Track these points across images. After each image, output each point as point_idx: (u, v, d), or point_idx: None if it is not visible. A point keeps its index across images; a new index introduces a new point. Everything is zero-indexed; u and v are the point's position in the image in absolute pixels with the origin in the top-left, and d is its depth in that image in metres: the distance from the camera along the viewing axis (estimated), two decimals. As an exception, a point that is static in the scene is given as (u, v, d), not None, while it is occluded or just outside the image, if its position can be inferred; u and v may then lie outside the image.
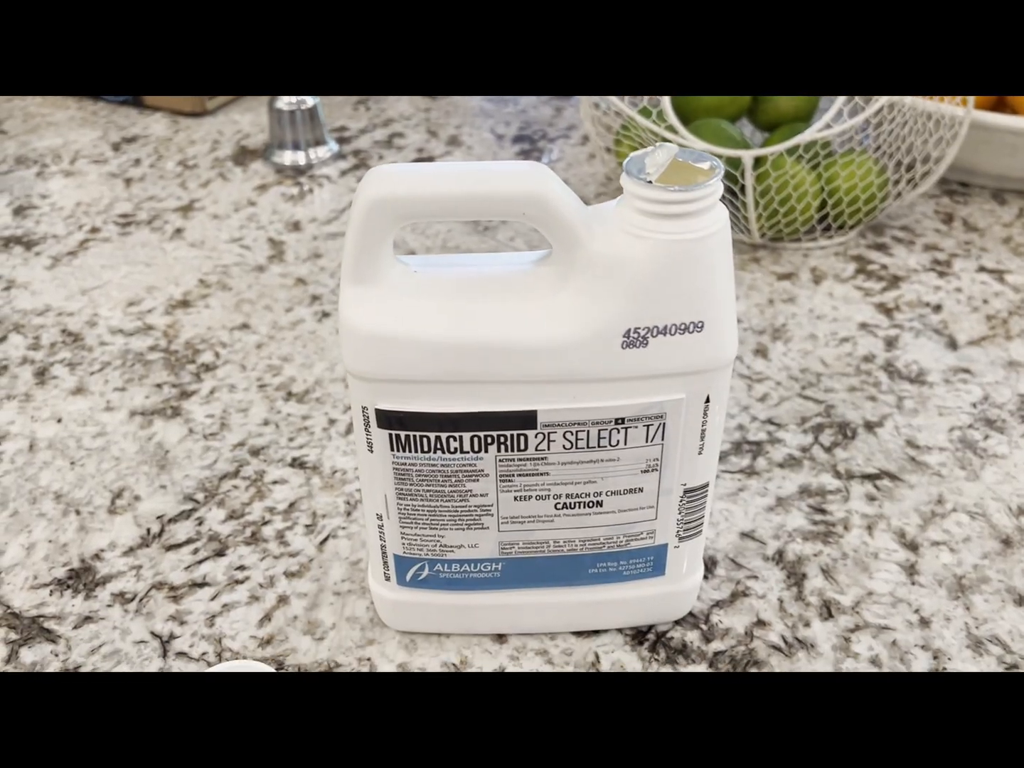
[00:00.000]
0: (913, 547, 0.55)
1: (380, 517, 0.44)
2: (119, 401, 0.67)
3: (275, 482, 0.60)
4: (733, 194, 0.79)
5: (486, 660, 0.49)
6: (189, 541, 0.56)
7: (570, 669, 0.48)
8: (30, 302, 0.78)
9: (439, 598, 0.47)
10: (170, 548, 0.55)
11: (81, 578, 0.53)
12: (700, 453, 0.43)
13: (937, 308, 0.76)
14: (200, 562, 0.54)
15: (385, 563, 0.46)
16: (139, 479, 0.60)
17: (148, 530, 0.57)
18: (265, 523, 0.57)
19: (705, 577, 0.53)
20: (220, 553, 0.55)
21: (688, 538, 0.46)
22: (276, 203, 0.92)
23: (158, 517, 0.57)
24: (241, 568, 0.54)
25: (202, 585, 0.53)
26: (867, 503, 0.58)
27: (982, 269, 0.80)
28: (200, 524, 0.57)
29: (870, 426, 0.64)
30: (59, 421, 0.65)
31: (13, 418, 0.65)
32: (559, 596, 0.47)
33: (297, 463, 0.61)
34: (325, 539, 0.56)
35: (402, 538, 0.45)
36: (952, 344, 0.71)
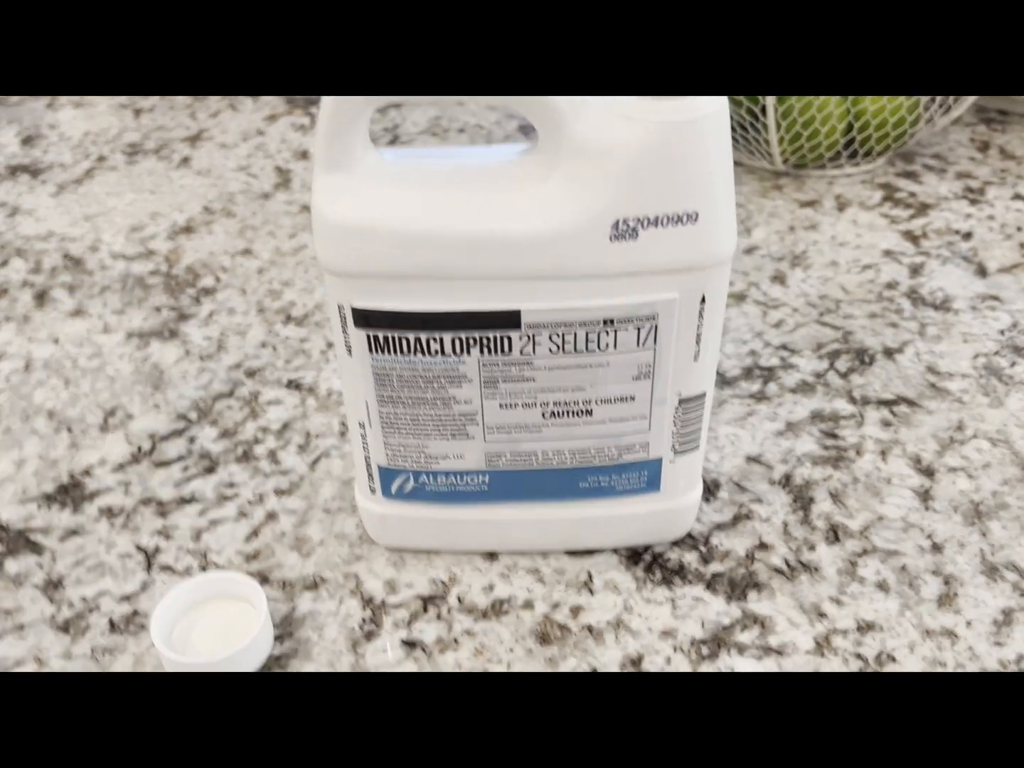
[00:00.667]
0: (929, 473, 0.52)
1: (362, 426, 0.43)
2: (117, 323, 0.66)
3: (269, 403, 0.59)
4: (754, 116, 0.76)
5: (475, 578, 0.48)
6: (180, 458, 0.55)
7: (561, 588, 0.47)
8: (33, 228, 0.77)
9: (426, 512, 0.46)
10: (160, 465, 0.54)
11: (69, 493, 0.53)
12: (696, 360, 0.41)
13: (967, 236, 0.72)
14: (189, 479, 0.53)
15: (370, 475, 0.45)
16: (132, 398, 0.59)
17: (139, 447, 0.56)
18: (257, 442, 0.56)
19: (707, 500, 0.51)
20: (210, 470, 0.54)
21: (684, 453, 0.44)
22: (285, 132, 0.90)
23: (150, 435, 0.57)
24: (231, 485, 0.53)
25: (190, 501, 0.52)
26: (882, 428, 0.55)
27: (1017, 197, 0.76)
28: (192, 442, 0.56)
29: (889, 352, 0.61)
30: (56, 342, 0.64)
31: (10, 339, 0.64)
32: (550, 512, 0.46)
33: (293, 384, 0.60)
34: (318, 458, 0.55)
35: (385, 448, 0.43)
36: (981, 271, 0.68)
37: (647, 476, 0.44)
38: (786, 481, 0.52)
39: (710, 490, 0.52)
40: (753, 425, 0.56)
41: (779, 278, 0.68)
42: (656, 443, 0.43)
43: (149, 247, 0.74)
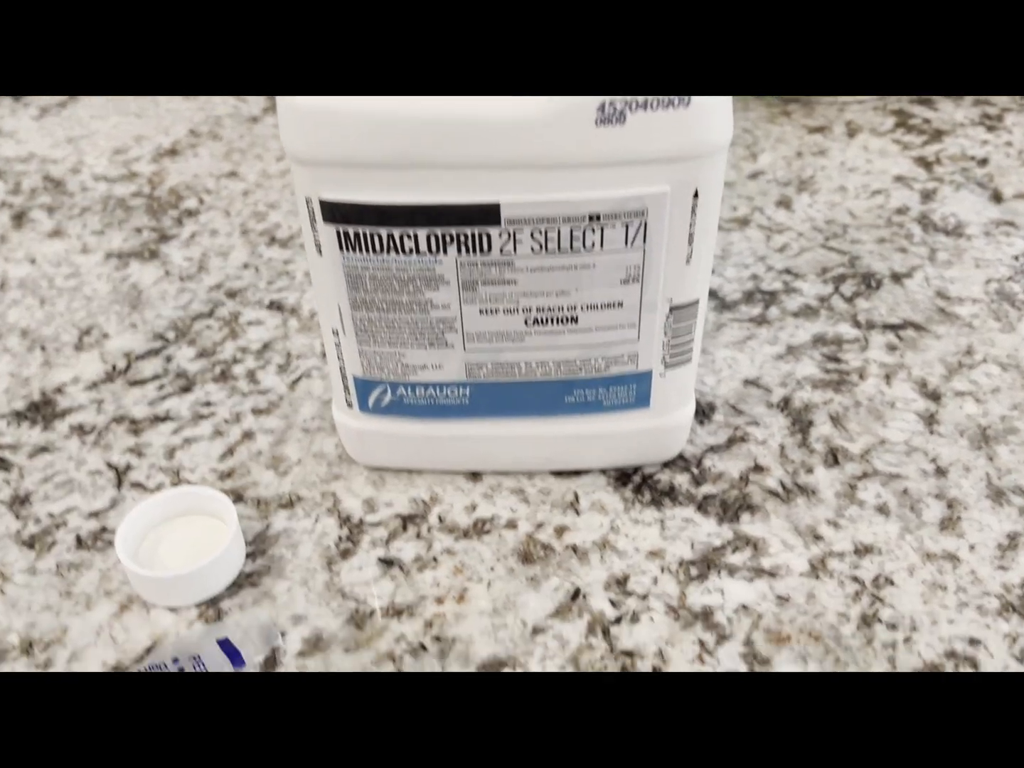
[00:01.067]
0: (935, 397, 0.50)
1: (336, 333, 0.41)
2: (96, 244, 0.64)
3: (250, 323, 0.57)
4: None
5: (458, 497, 0.46)
6: (155, 377, 0.53)
7: (546, 508, 0.45)
8: (14, 150, 0.75)
9: (405, 427, 0.44)
10: (135, 384, 0.53)
11: (40, 411, 0.51)
12: (688, 263, 0.38)
13: (983, 162, 0.69)
14: (164, 398, 0.52)
15: (346, 388, 0.43)
16: (109, 318, 0.57)
17: (114, 366, 0.54)
18: (236, 362, 0.54)
19: (700, 422, 0.49)
20: (186, 389, 0.52)
21: (675, 366, 0.42)
22: (277, 58, 0.87)
23: (125, 354, 0.55)
24: (207, 404, 0.51)
25: (164, 420, 0.50)
26: (887, 353, 0.53)
27: (1037, 123, 0.73)
28: (168, 361, 0.54)
29: (897, 277, 0.58)
30: (32, 262, 0.62)
31: (-14, 258, 0.63)
32: (535, 428, 0.43)
33: (275, 305, 0.58)
34: (298, 379, 0.53)
35: (360, 357, 0.41)
36: (997, 197, 0.65)
37: (636, 391, 0.42)
38: (784, 404, 0.50)
39: (704, 413, 0.49)
40: (752, 349, 0.53)
41: (785, 203, 0.65)
42: (645, 355, 0.41)
43: (132, 169, 0.72)
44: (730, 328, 0.55)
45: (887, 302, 0.56)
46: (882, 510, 0.44)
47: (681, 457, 0.47)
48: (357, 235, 0.37)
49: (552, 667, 0.38)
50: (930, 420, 0.48)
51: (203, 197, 0.68)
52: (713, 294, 0.57)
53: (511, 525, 0.44)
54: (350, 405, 0.43)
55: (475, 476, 0.47)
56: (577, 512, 0.45)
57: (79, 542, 0.44)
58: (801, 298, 0.57)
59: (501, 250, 0.37)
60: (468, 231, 0.36)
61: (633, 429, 0.44)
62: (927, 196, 0.65)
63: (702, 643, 0.39)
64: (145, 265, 0.61)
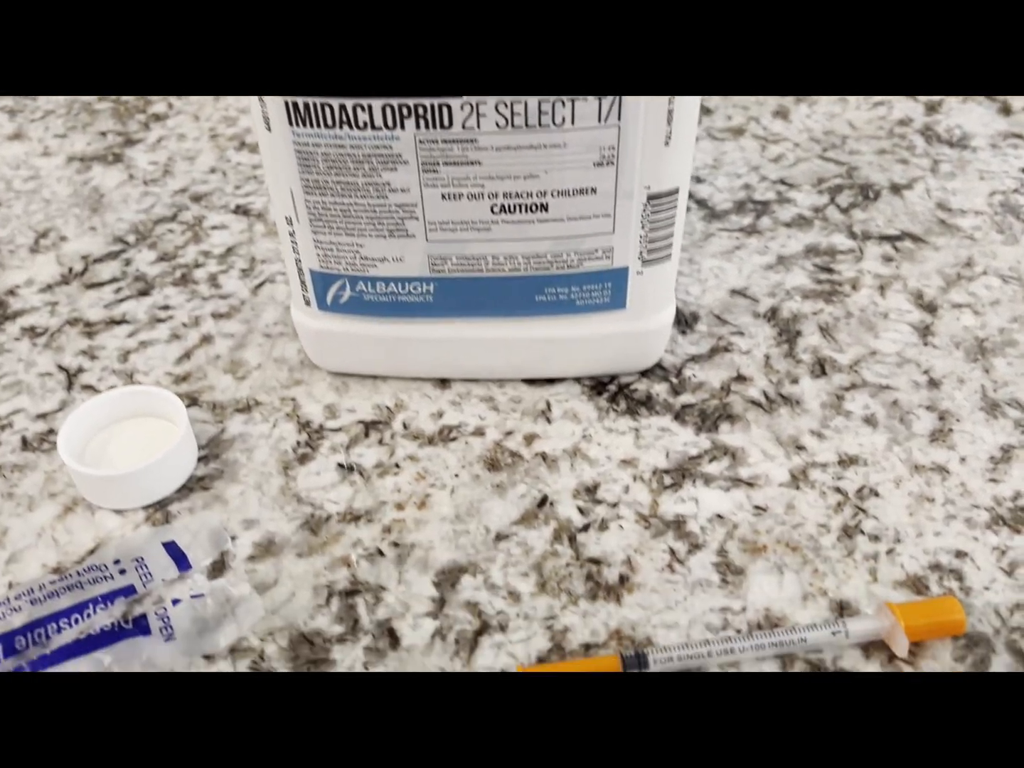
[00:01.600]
0: (931, 308, 0.47)
1: (290, 222, 0.38)
2: (58, 147, 0.61)
3: (214, 227, 0.54)
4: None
5: (424, 404, 0.44)
6: (113, 280, 0.50)
7: (516, 416, 0.43)
8: (-23, 53, 0.72)
9: (367, 327, 0.41)
10: (91, 287, 0.50)
11: (-9, 312, 0.49)
12: (667, 144, 0.35)
13: (993, 75, 0.65)
14: (121, 301, 0.49)
15: (303, 283, 0.40)
16: (68, 221, 0.55)
17: (70, 269, 0.51)
18: (198, 266, 0.51)
19: (683, 332, 0.47)
20: (144, 293, 0.50)
21: (653, 263, 0.39)
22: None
23: (83, 257, 0.52)
24: (165, 308, 0.49)
25: (120, 323, 0.48)
26: (883, 264, 0.50)
27: (1053, 38, 0.69)
28: (127, 265, 0.51)
29: (897, 188, 0.55)
30: (-10, 164, 0.59)
31: (-58, 160, 0.60)
32: (504, 330, 0.41)
33: (241, 210, 0.55)
34: (261, 283, 0.50)
35: (316, 247, 0.38)
36: (1006, 110, 0.62)
37: (611, 289, 0.40)
38: (772, 315, 0.47)
39: (687, 323, 0.47)
40: (741, 259, 0.51)
41: (781, 113, 0.62)
42: (621, 249, 0.38)
43: (100, 74, 0.68)
44: (719, 238, 0.52)
45: (885, 213, 0.53)
46: (869, 421, 0.42)
47: (660, 366, 0.45)
48: (307, 106, 0.34)
49: (514, 574, 0.36)
50: (925, 332, 0.46)
51: (172, 102, 0.65)
52: (702, 203, 0.54)
53: (479, 433, 0.42)
54: (308, 303, 0.41)
55: (443, 384, 0.44)
56: (548, 421, 0.42)
57: (24, 443, 0.42)
58: (795, 208, 0.54)
59: (463, 125, 0.34)
60: (427, 103, 0.34)
61: (608, 333, 0.41)
62: (932, 108, 0.62)
63: (673, 552, 0.37)
64: (108, 169, 0.59)
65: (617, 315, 0.41)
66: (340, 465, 0.41)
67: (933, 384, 0.43)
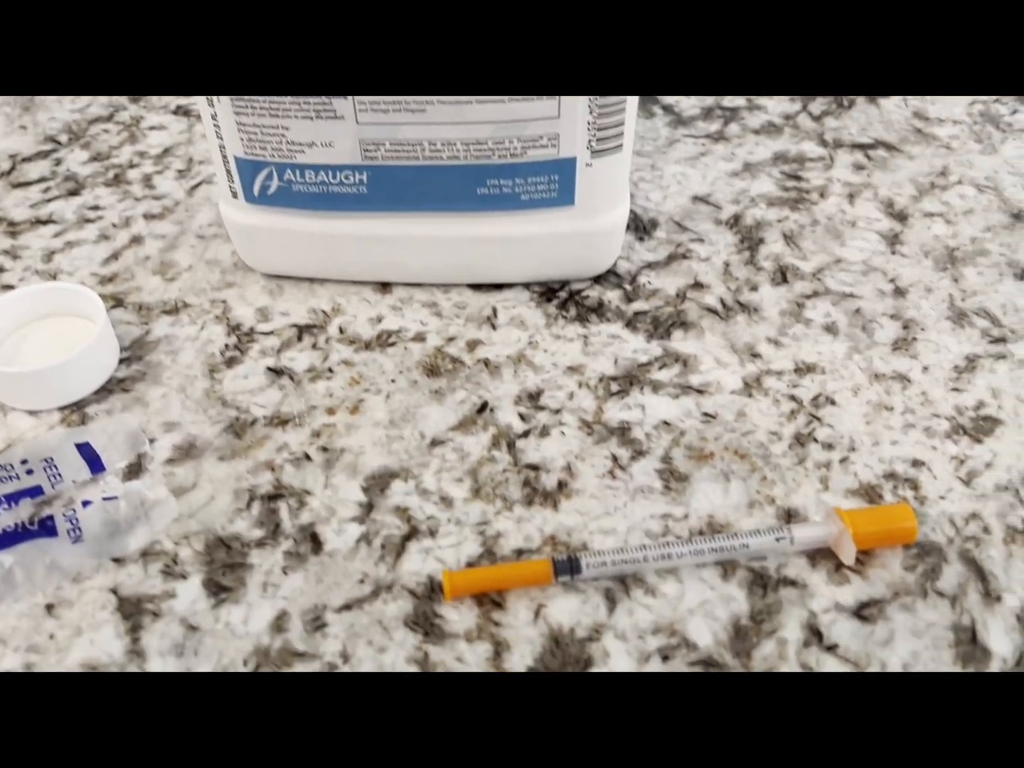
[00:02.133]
0: (901, 217, 0.45)
1: (211, 102, 0.35)
2: (-9, 45, 0.58)
3: (152, 128, 0.51)
4: None
5: (363, 309, 0.41)
6: (41, 180, 0.48)
7: (460, 322, 0.41)
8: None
9: (298, 223, 0.39)
10: (17, 186, 0.47)
11: (-91, 210, 0.46)
12: (614, 18, 0.33)
13: (982, -14, 0.62)
14: (49, 201, 0.46)
15: (228, 172, 0.38)
16: (-3, 119, 0.52)
17: (-4, 168, 0.49)
18: (132, 166, 0.49)
19: (640, 239, 0.44)
20: (74, 193, 0.47)
21: (603, 154, 0.37)
22: None
23: (10, 156, 0.49)
24: (95, 208, 0.46)
25: (46, 223, 0.45)
26: (853, 172, 0.48)
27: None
28: (57, 164, 0.49)
29: (872, 96, 0.53)
30: (-82, 61, 0.56)
31: None
32: (445, 227, 0.39)
33: (181, 111, 0.52)
34: (198, 184, 0.48)
35: (239, 131, 0.36)
36: (992, 20, 0.59)
37: (559, 183, 0.37)
38: (735, 222, 0.45)
39: (645, 229, 0.45)
40: (706, 165, 0.48)
41: (758, 21, 0.59)
42: (568, 136, 0.36)
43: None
44: (684, 144, 0.49)
45: (859, 122, 0.51)
46: (830, 329, 0.40)
47: (614, 273, 0.42)
48: (221, -32, 0.31)
49: (448, 479, 0.34)
50: (893, 240, 0.44)
51: None
52: (668, 109, 0.52)
53: (419, 338, 0.40)
54: (235, 194, 0.38)
55: (384, 288, 0.42)
56: (494, 327, 0.40)
57: (-64, 344, 0.40)
58: (765, 115, 0.51)
59: (392, -8, 0.32)
60: (351, -35, 0.31)
61: (557, 232, 0.39)
62: (916, 18, 0.59)
63: (615, 458, 0.35)
64: (43, 68, 0.55)
65: (565, 212, 0.38)
66: (269, 369, 0.38)
67: (899, 293, 0.41)
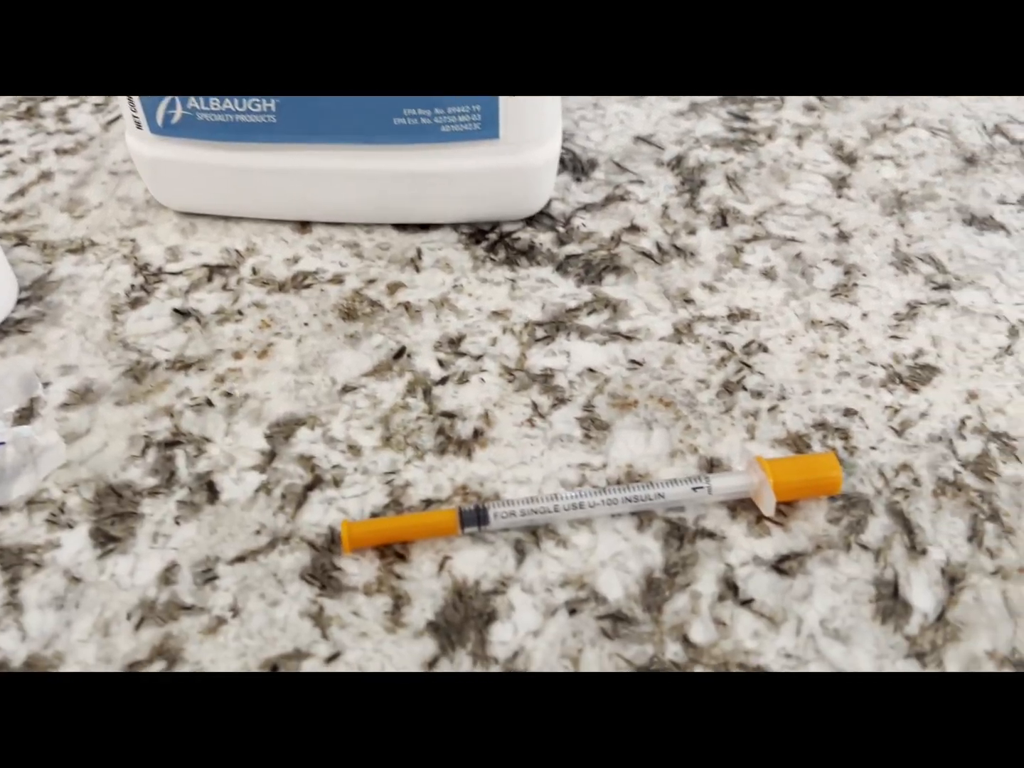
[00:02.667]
0: (850, 160, 0.43)
1: None
2: (-96, -28, 0.55)
3: (70, 60, 0.49)
4: None
5: (279, 249, 0.39)
6: (-53, 112, 0.45)
7: (381, 264, 0.39)
8: None
9: (206, 154, 0.36)
10: (-79, 118, 0.45)
11: None
12: (533, -69, 0.31)
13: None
14: (-46, 134, 0.44)
15: (131, 100, 0.35)
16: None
17: (-100, 99, 0.46)
18: (46, 100, 0.46)
19: (577, 180, 0.42)
20: (-19, 126, 0.45)
21: (528, 83, 0.35)
22: None
23: (-84, 87, 0.47)
24: (4, 142, 0.43)
25: (-51, 157, 0.43)
26: (804, 113, 0.46)
27: None
28: (-35, 97, 0.46)
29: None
30: None
31: None
32: (361, 160, 0.36)
33: (103, 42, 0.50)
34: (115, 119, 0.45)
35: (137, 53, 0.34)
36: (959, -40, 0.57)
37: (481, 113, 0.35)
38: (677, 163, 0.43)
39: (583, 170, 0.43)
40: (650, 103, 0.46)
41: (715, -42, 0.57)
42: (489, 64, 0.34)
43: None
44: (629, 84, 0.47)
45: (814, 62, 0.49)
46: (768, 274, 0.38)
47: (548, 215, 0.40)
48: None
49: (357, 427, 0.33)
50: (840, 184, 0.42)
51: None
52: (616, 49, 0.49)
53: (337, 280, 0.38)
54: (139, 125, 0.36)
55: (304, 227, 0.40)
56: (417, 269, 0.38)
57: None
58: (716, 55, 0.49)
59: None
60: None
61: (482, 168, 0.37)
62: (880, -43, 0.57)
63: (535, 406, 0.33)
64: (-42, -4, 0.52)
65: (490, 146, 0.36)
66: (176, 311, 0.36)
67: (843, 237, 0.39)
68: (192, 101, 0.34)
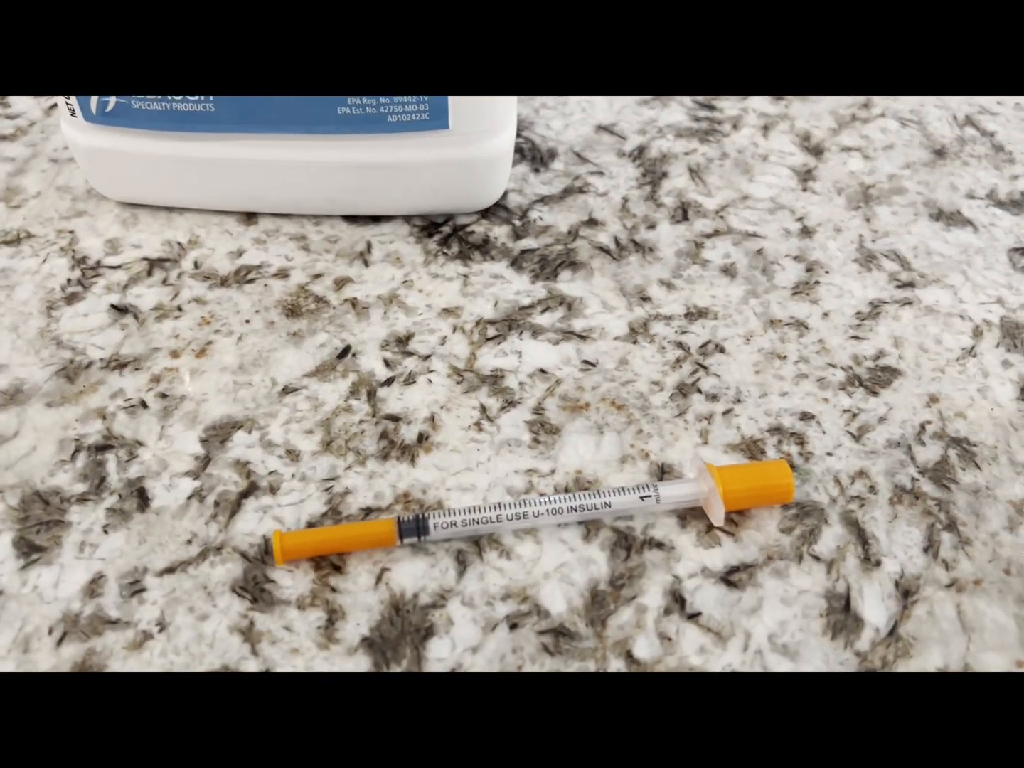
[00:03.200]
0: (817, 152, 0.42)
1: (32, 3, 0.32)
2: None
3: (13, 40, 0.47)
4: None
5: (223, 241, 0.38)
6: None
7: (329, 258, 0.37)
8: None
9: (144, 143, 0.35)
10: None
11: None
12: (478, -87, 0.29)
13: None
14: None
15: (63, 86, 0.34)
16: None
17: None
18: (-14, 83, 0.44)
19: (536, 171, 0.41)
20: (-83, 110, 0.43)
21: (478, 72, 0.33)
22: None
23: None
24: (-61, 128, 0.42)
25: None
26: (771, 102, 0.44)
27: None
28: (-98, 79, 0.44)
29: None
30: None
31: None
32: (306, 151, 0.35)
33: None
34: (56, 104, 0.44)
35: (66, 38, 0.32)
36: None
37: (429, 103, 0.34)
38: (639, 154, 0.42)
39: (543, 160, 0.41)
40: (613, 92, 0.45)
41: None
42: (436, 52, 0.32)
43: None
44: (593, 70, 0.46)
45: (783, 49, 0.47)
46: (728, 271, 0.37)
47: (503, 207, 0.39)
48: None
49: (297, 431, 0.31)
50: (806, 176, 0.41)
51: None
52: (581, 33, 0.48)
53: (282, 274, 0.36)
54: (73, 112, 0.34)
55: (249, 218, 0.38)
56: (366, 264, 0.37)
57: None
58: (683, 41, 0.48)
59: None
60: None
61: (432, 159, 0.35)
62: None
63: (484, 408, 0.32)
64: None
65: (440, 137, 0.35)
66: (113, 306, 0.35)
67: (806, 232, 0.38)
68: (126, 88, 0.33)
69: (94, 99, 0.33)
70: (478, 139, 0.35)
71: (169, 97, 0.33)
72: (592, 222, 0.38)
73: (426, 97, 0.33)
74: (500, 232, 0.38)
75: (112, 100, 0.33)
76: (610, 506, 0.28)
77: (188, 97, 0.33)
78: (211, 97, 0.33)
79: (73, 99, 0.34)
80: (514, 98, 0.36)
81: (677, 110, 0.44)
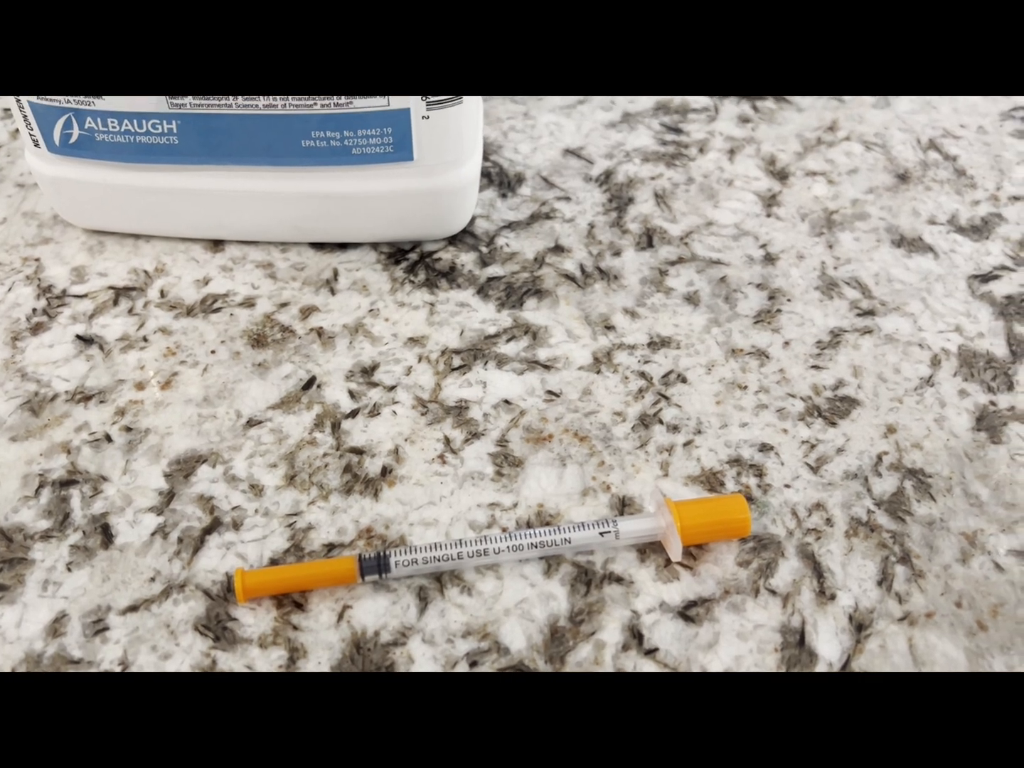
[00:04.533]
0: (782, 176, 0.42)
1: (-8, 38, 0.32)
2: None
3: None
4: None
5: (189, 269, 0.38)
6: None
7: (296, 286, 0.37)
8: None
9: (109, 174, 0.35)
10: None
11: None
12: (437, -48, 0.29)
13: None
14: None
15: (25, 117, 0.34)
16: None
17: None
18: (-49, 104, 0.44)
19: (503, 196, 0.41)
20: None
21: (441, 105, 0.33)
22: None
23: None
24: (-97, 151, 0.42)
25: None
26: (738, 125, 0.45)
27: None
28: None
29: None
30: None
31: None
32: (271, 182, 0.35)
33: None
34: (24, 126, 0.44)
35: (27, 72, 0.32)
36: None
37: (393, 136, 0.34)
38: (605, 178, 0.42)
39: (510, 185, 0.42)
40: (582, 114, 0.45)
41: (657, -44, 0.55)
42: (398, 86, 0.32)
43: None
44: (561, 91, 0.46)
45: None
46: (691, 299, 0.37)
47: (471, 234, 0.39)
48: None
49: (261, 465, 0.32)
50: (770, 202, 0.41)
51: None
52: (551, 53, 0.48)
53: (248, 303, 0.37)
54: (37, 143, 0.34)
55: (216, 246, 0.39)
56: (332, 292, 0.37)
57: None
58: (652, 61, 0.48)
59: (175, -85, 0.28)
60: None
61: (397, 190, 0.35)
62: (824, -43, 0.56)
63: (448, 440, 0.32)
64: None
65: (404, 168, 0.35)
66: (79, 337, 0.35)
67: (769, 259, 0.39)
68: (89, 121, 0.33)
69: (57, 131, 0.33)
70: (443, 170, 0.35)
71: (132, 130, 0.33)
72: (558, 249, 0.39)
73: (389, 130, 0.33)
74: (467, 259, 0.38)
75: (75, 132, 0.33)
76: (570, 542, 0.29)
77: (151, 130, 0.33)
78: (175, 130, 0.33)
79: (36, 129, 0.34)
80: (480, 126, 0.36)
81: (644, 133, 0.44)
